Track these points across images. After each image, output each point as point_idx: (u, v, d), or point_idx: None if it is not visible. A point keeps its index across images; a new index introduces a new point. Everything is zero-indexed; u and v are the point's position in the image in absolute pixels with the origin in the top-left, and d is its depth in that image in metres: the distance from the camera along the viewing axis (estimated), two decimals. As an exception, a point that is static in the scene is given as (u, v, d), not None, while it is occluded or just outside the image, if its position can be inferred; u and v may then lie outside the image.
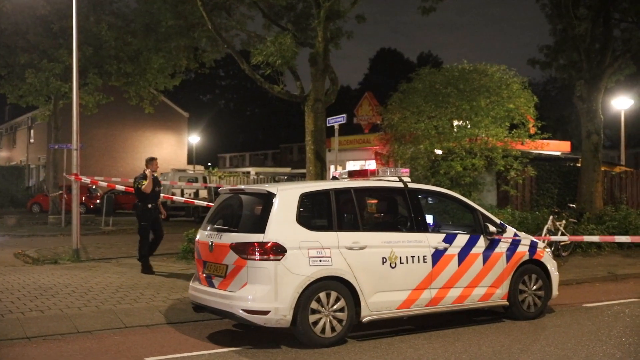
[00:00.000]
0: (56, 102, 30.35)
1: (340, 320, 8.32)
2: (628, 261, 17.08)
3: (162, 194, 15.42)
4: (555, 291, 10.50)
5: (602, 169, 23.47)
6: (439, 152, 20.55)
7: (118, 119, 47.48)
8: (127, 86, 30.43)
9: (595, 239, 17.07)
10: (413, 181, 10.11)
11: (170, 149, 55.09)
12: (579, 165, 23.45)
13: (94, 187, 34.14)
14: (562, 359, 7.81)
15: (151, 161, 14.27)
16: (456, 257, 9.40)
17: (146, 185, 13.68)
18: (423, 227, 9.34)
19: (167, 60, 27.43)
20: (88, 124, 27.77)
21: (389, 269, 8.74)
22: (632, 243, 18.44)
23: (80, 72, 17.90)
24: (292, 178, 46.48)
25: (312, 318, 8.15)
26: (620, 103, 33.98)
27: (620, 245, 18.64)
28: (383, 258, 8.72)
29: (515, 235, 10.23)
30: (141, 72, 28.73)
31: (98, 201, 33.23)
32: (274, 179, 45.56)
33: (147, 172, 13.92)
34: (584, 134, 22.33)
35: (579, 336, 9.06)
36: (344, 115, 21.54)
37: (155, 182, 14.08)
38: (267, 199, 8.46)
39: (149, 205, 13.84)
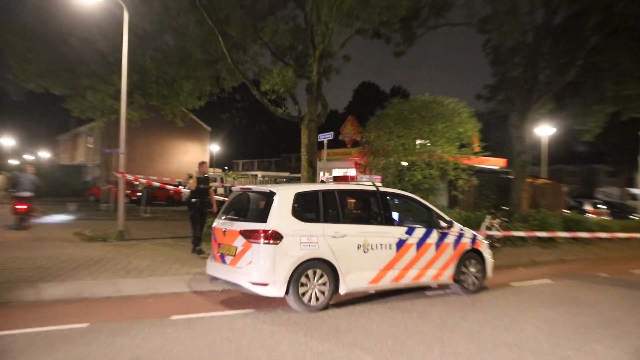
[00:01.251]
0: (109, 116, 30.39)
1: (323, 292, 8.38)
2: (545, 251, 17.23)
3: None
4: (489, 273, 10.58)
5: (528, 180, 23.63)
6: (404, 163, 20.60)
7: (155, 131, 47.23)
8: (164, 105, 30.52)
9: (521, 234, 17.21)
10: (383, 186, 10.14)
11: (195, 155, 54.98)
12: (511, 177, 23.58)
13: (135, 183, 34.08)
14: (492, 324, 7.90)
15: (201, 165, 14.07)
16: (415, 246, 9.46)
17: (190, 183, 13.55)
18: (390, 222, 9.41)
19: (195, 85, 27.50)
20: (132, 133, 27.66)
21: (363, 253, 8.80)
22: (548, 237, 18.62)
23: (128, 93, 17.86)
24: (290, 181, 46.49)
25: (301, 290, 8.22)
26: (543, 130, 34.17)
27: (540, 238, 18.77)
28: (358, 245, 8.77)
29: (461, 229, 10.30)
30: (175, 95, 28.84)
31: (139, 194, 33.11)
32: (276, 180, 45.60)
33: (194, 173, 13.72)
34: (515, 153, 22.49)
35: (506, 307, 9.18)
36: (332, 132, 21.60)
37: (201, 181, 13.61)
38: (269, 197, 8.51)
39: (193, 200, 13.50)
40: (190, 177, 13.72)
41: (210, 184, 14.22)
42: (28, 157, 64.76)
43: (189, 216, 13.83)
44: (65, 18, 25.89)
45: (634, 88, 25.29)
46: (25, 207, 17.77)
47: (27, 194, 17.92)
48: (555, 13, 22.48)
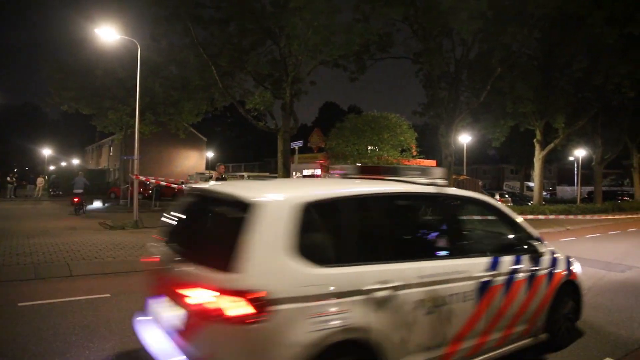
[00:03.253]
0: (126, 130, 30.17)
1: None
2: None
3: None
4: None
5: (453, 177, 23.97)
6: (359, 164, 20.72)
7: (163, 141, 46.26)
8: (169, 121, 30.28)
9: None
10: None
11: (194, 160, 54.76)
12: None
13: (147, 182, 33.55)
14: None
15: (218, 166, 13.38)
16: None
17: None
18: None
19: (194, 105, 27.26)
20: (144, 143, 27.02)
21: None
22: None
23: (141, 112, 17.60)
24: (270, 178, 46.10)
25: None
26: (464, 138, 34.70)
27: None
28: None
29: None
30: (178, 113, 28.65)
31: (150, 191, 32.54)
32: (257, 179, 45.26)
33: (214, 174, 12.89)
34: (443, 156, 22.77)
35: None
36: (302, 141, 21.62)
37: (219, 180, 12.54)
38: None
39: None
40: (211, 177, 13.06)
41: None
42: (74, 163, 63.71)
43: None
44: (92, 53, 25.72)
45: (527, 107, 26.09)
46: (78, 199, 20.16)
47: (80, 190, 20.24)
48: (470, 50, 22.94)
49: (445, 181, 4.48)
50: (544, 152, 29.06)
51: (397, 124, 21.40)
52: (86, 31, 23.13)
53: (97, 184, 41.80)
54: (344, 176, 4.73)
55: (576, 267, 5.48)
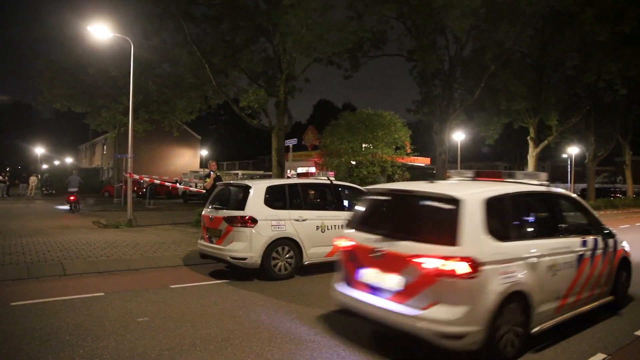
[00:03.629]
0: (119, 129, 30.08)
1: (290, 264, 8.34)
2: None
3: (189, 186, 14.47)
4: None
5: (447, 174, 24.01)
6: (353, 162, 20.72)
7: (156, 139, 46.06)
8: (163, 119, 30.14)
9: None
10: (336, 179, 10.13)
11: (188, 158, 54.61)
12: (435, 171, 23.94)
13: (141, 181, 33.42)
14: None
15: (209, 163, 13.19)
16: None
17: (207, 183, 12.63)
18: (341, 207, 9.36)
19: (188, 103, 27.12)
20: (138, 142, 26.82)
21: (320, 233, 8.76)
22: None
23: (134, 110, 17.53)
24: (264, 177, 46.08)
25: (273, 262, 8.16)
26: (457, 136, 34.80)
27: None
28: (317, 226, 8.73)
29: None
30: (171, 111, 28.49)
31: (144, 189, 32.44)
32: (252, 177, 45.18)
33: (212, 173, 12.74)
34: (437, 154, 22.84)
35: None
36: (296, 139, 21.61)
37: (216, 179, 12.55)
38: (245, 189, 8.41)
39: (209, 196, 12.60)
40: (209, 176, 12.90)
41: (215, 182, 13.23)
42: (67, 161, 63.39)
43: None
44: (83, 51, 25.59)
45: (521, 104, 26.21)
46: (74, 198, 20.69)
47: (75, 189, 20.73)
48: (463, 48, 23.01)
49: (548, 182, 5.98)
50: (538, 150, 29.18)
51: (391, 121, 21.41)
52: (78, 29, 23.01)
53: (91, 183, 41.68)
54: (473, 179, 6.19)
55: (627, 247, 6.99)
